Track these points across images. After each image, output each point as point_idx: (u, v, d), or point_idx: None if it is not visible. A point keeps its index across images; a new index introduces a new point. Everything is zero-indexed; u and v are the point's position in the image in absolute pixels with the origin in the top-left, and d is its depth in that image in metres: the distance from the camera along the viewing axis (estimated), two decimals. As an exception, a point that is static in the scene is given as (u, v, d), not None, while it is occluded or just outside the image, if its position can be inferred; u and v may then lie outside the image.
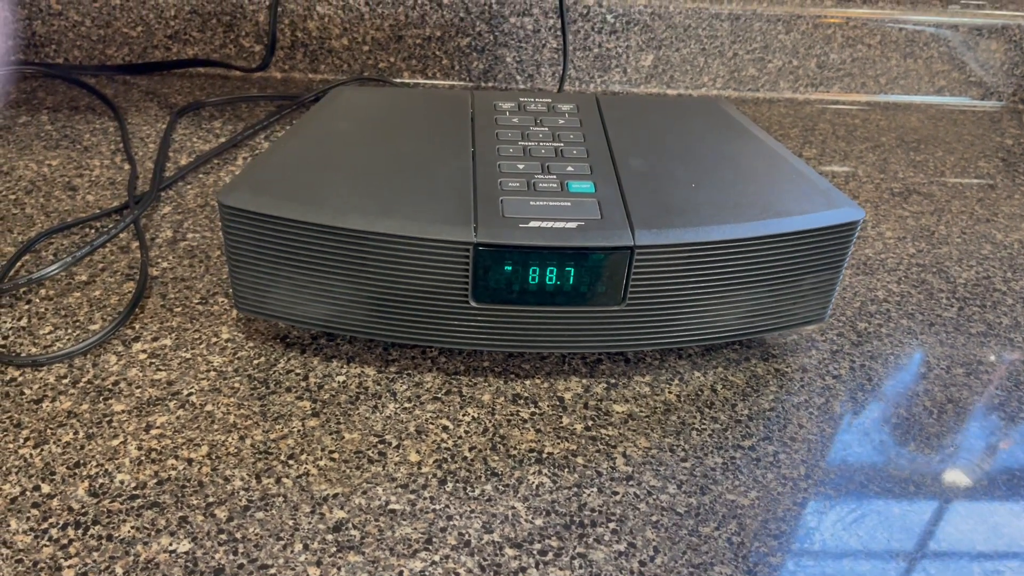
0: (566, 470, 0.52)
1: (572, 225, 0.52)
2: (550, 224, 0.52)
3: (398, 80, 1.00)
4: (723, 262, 0.54)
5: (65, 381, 0.55)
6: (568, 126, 0.62)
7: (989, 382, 0.62)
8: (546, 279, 0.52)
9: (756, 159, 0.61)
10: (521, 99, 0.65)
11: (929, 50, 1.04)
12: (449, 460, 0.52)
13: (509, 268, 0.52)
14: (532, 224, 0.52)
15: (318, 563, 0.45)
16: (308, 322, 0.56)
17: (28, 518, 0.46)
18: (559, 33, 0.96)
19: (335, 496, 0.49)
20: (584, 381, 0.59)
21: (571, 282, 0.53)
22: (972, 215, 0.84)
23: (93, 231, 0.69)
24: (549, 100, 0.65)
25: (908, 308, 0.69)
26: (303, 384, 0.56)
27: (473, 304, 0.53)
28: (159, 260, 0.67)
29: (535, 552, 0.46)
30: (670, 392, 0.58)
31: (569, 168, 0.57)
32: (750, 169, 0.59)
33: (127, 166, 0.79)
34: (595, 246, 0.51)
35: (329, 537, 0.46)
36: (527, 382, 0.58)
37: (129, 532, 0.46)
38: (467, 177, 0.55)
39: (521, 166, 0.57)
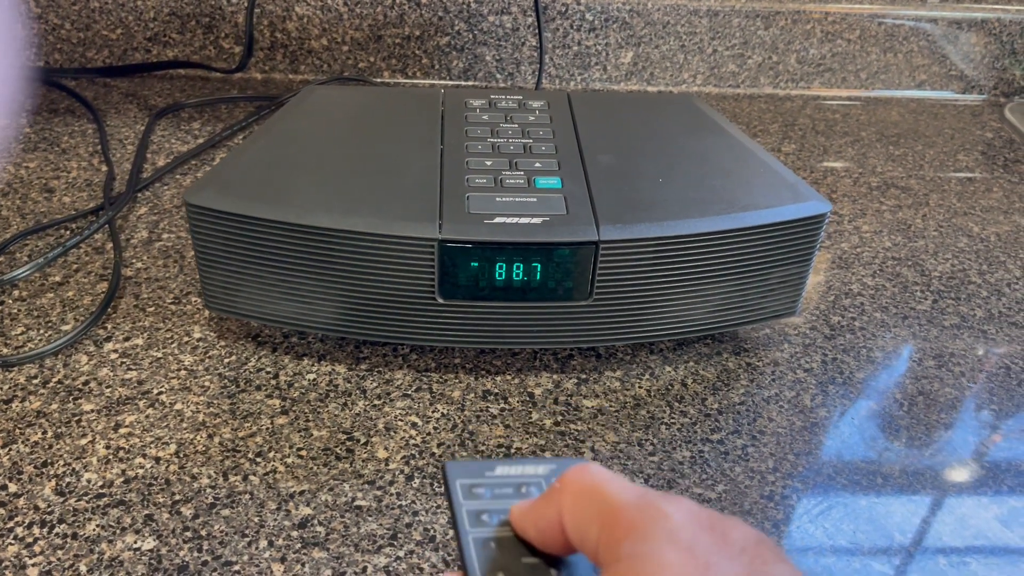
0: (533, 465, 0.52)
1: (537, 221, 0.52)
2: (515, 220, 0.52)
3: (378, 80, 1.00)
4: (689, 256, 0.54)
5: (35, 381, 0.55)
6: (538, 123, 0.62)
7: (961, 374, 0.62)
8: (512, 275, 0.53)
9: (725, 154, 0.61)
10: (492, 96, 0.65)
11: (909, 44, 1.04)
12: (417, 456, 0.52)
13: (475, 264, 0.52)
14: (497, 220, 0.52)
15: (282, 559, 0.45)
16: (278, 320, 0.56)
17: (-7, 517, 0.46)
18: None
19: (301, 493, 0.49)
20: (555, 377, 0.59)
21: (537, 278, 0.53)
22: (950, 208, 0.84)
23: (68, 232, 0.70)
24: (520, 97, 0.66)
25: (882, 301, 0.69)
26: (273, 382, 0.56)
27: (440, 301, 0.53)
28: (134, 260, 0.67)
29: (499, 546, 0.46)
30: (640, 387, 0.58)
31: (537, 164, 0.57)
32: (719, 164, 0.60)
33: (105, 168, 0.79)
34: (560, 241, 0.52)
35: (294, 534, 0.46)
36: (498, 378, 0.58)
37: (94, 530, 0.46)
38: (434, 174, 0.56)
39: (489, 163, 0.57)
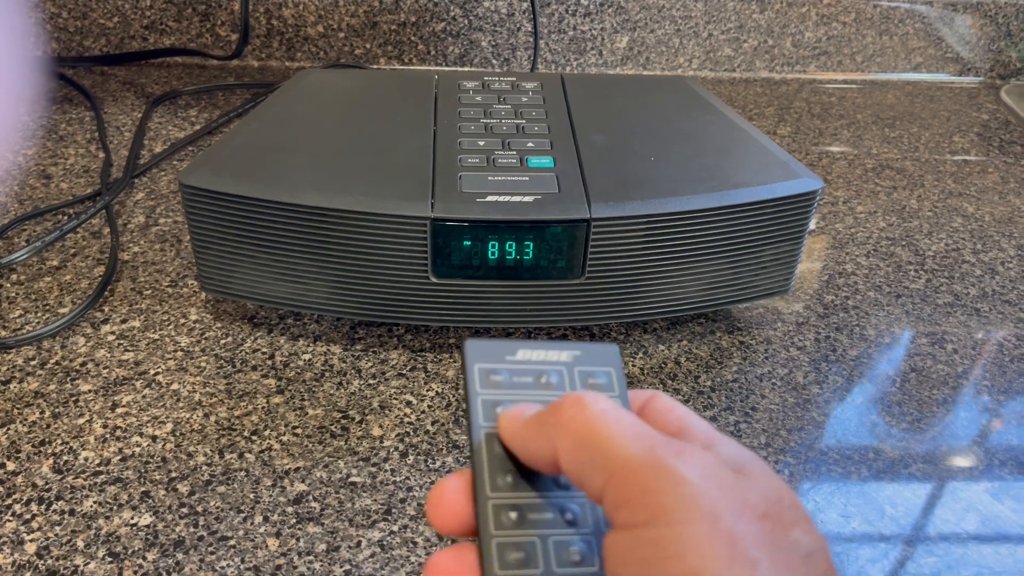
0: (527, 441, 0.52)
1: (529, 199, 0.53)
2: (507, 198, 0.52)
3: (374, 67, 1.00)
4: (681, 234, 0.54)
5: (33, 363, 0.55)
6: (531, 104, 0.63)
7: (953, 351, 0.63)
8: (505, 253, 0.53)
9: (717, 133, 0.61)
10: (485, 78, 0.66)
11: (905, 27, 1.04)
12: (411, 434, 0.52)
13: (468, 243, 0.52)
14: (489, 198, 0.52)
15: (277, 534, 0.45)
16: (273, 301, 0.56)
17: (-8, 495, 0.46)
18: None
19: (297, 470, 0.49)
20: (549, 356, 0.59)
21: (530, 256, 0.53)
22: (944, 189, 0.84)
23: (66, 217, 0.70)
24: (513, 79, 0.66)
25: (876, 280, 0.70)
26: (269, 362, 0.57)
27: (433, 280, 0.54)
28: (131, 245, 0.67)
29: (493, 520, 0.47)
30: (634, 365, 0.59)
31: (529, 144, 0.58)
32: (711, 143, 0.60)
33: (102, 155, 0.80)
34: (552, 219, 0.52)
35: (289, 509, 0.47)
36: (492, 357, 0.58)
37: (91, 507, 0.46)
38: (427, 154, 0.56)
39: (481, 143, 0.57)
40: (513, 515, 0.26)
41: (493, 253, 0.53)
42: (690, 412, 0.28)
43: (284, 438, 0.51)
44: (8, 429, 0.51)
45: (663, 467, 0.23)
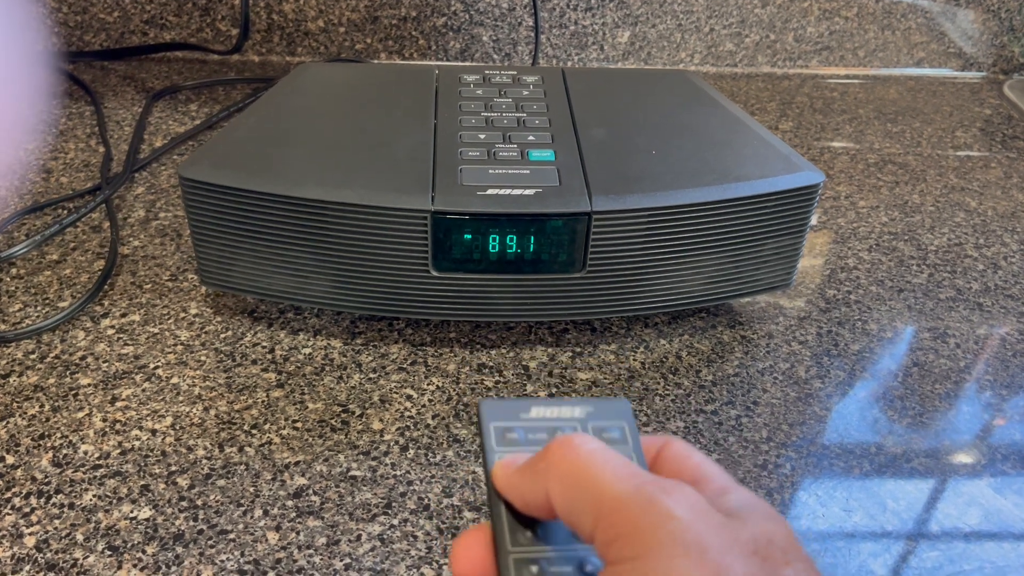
0: (528, 436, 0.52)
1: (530, 192, 0.52)
2: (508, 191, 0.52)
3: (375, 62, 1.00)
4: (682, 227, 0.54)
5: (33, 356, 0.55)
6: (532, 97, 0.62)
7: (956, 346, 0.62)
8: (506, 247, 0.53)
9: (719, 127, 0.61)
10: (486, 72, 0.65)
11: (907, 22, 1.04)
12: (412, 428, 0.52)
13: (468, 236, 0.52)
14: (490, 192, 0.52)
15: (277, 528, 0.45)
16: (273, 294, 0.56)
17: (-9, 488, 0.46)
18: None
19: (297, 464, 0.49)
20: (550, 350, 0.59)
21: (531, 249, 0.53)
22: (947, 184, 0.84)
23: (65, 212, 0.70)
24: (514, 73, 0.66)
25: (878, 275, 0.69)
26: (269, 356, 0.57)
27: (434, 273, 0.53)
28: (131, 239, 0.67)
29: (493, 514, 0.47)
30: (635, 359, 0.59)
31: (530, 137, 0.58)
32: (712, 136, 0.60)
33: (102, 149, 0.80)
34: (552, 212, 0.52)
35: (289, 503, 0.47)
36: (492, 352, 0.58)
37: (91, 500, 0.46)
38: (427, 147, 0.56)
39: (482, 136, 0.57)
40: (535, 569, 0.26)
41: (494, 246, 0.53)
42: (706, 459, 0.28)
43: (284, 432, 0.51)
44: (8, 423, 0.50)
45: (651, 503, 0.23)
